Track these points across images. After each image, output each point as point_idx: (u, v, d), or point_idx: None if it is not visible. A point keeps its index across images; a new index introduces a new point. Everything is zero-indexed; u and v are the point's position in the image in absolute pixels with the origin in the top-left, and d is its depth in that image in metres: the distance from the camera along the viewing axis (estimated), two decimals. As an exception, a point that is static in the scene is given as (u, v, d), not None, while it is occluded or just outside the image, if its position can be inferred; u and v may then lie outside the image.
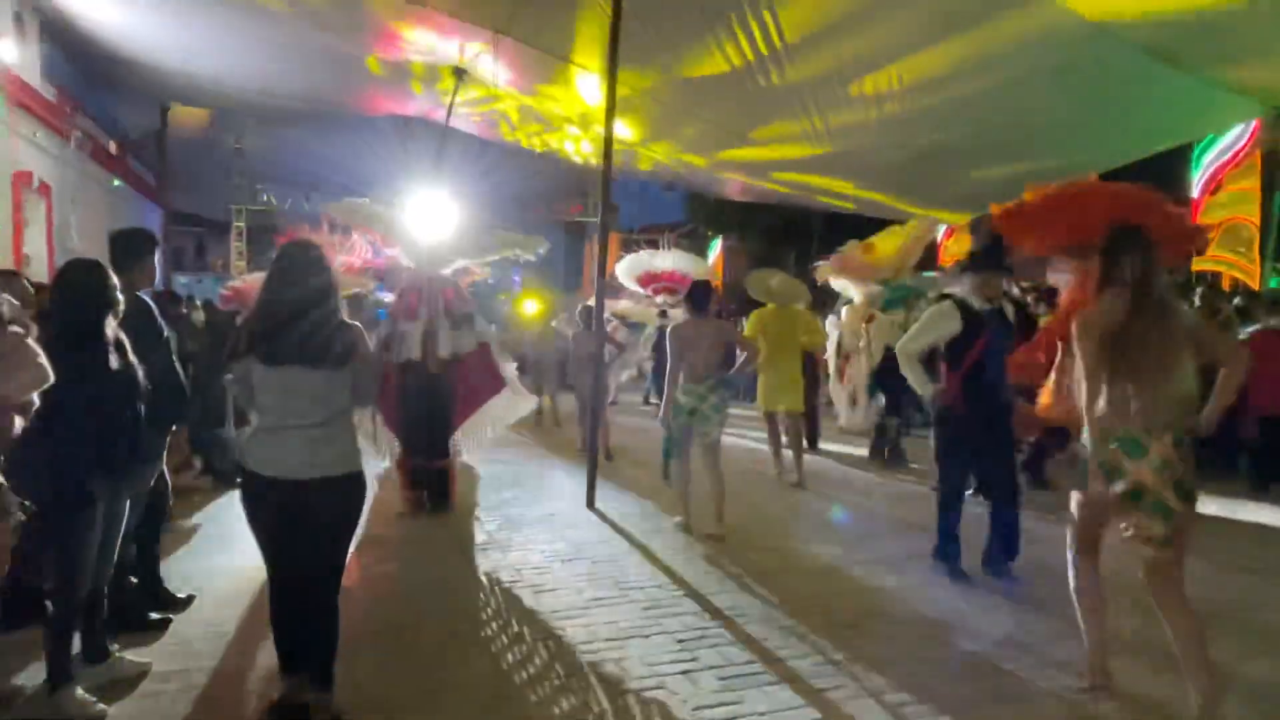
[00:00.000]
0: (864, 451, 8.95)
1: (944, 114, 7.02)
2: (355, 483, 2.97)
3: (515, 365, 6.98)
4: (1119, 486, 2.94)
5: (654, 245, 28.30)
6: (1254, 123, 8.23)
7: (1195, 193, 9.13)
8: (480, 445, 6.46)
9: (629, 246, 27.49)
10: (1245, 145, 8.63)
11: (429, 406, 6.18)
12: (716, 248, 23.81)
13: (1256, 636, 3.94)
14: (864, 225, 10.00)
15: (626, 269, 9.83)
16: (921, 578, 4.79)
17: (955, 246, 12.76)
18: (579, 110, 8.90)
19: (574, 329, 9.13)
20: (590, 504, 6.48)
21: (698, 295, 5.86)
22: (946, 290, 5.06)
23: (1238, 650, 3.72)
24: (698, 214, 25.84)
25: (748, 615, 4.19)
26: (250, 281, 10.67)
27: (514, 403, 6.43)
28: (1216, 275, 10.34)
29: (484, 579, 4.74)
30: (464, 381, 6.30)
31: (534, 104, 9.42)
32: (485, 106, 10.22)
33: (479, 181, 19.34)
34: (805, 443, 8.62)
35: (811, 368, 8.79)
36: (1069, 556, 3.33)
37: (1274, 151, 9.33)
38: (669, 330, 5.81)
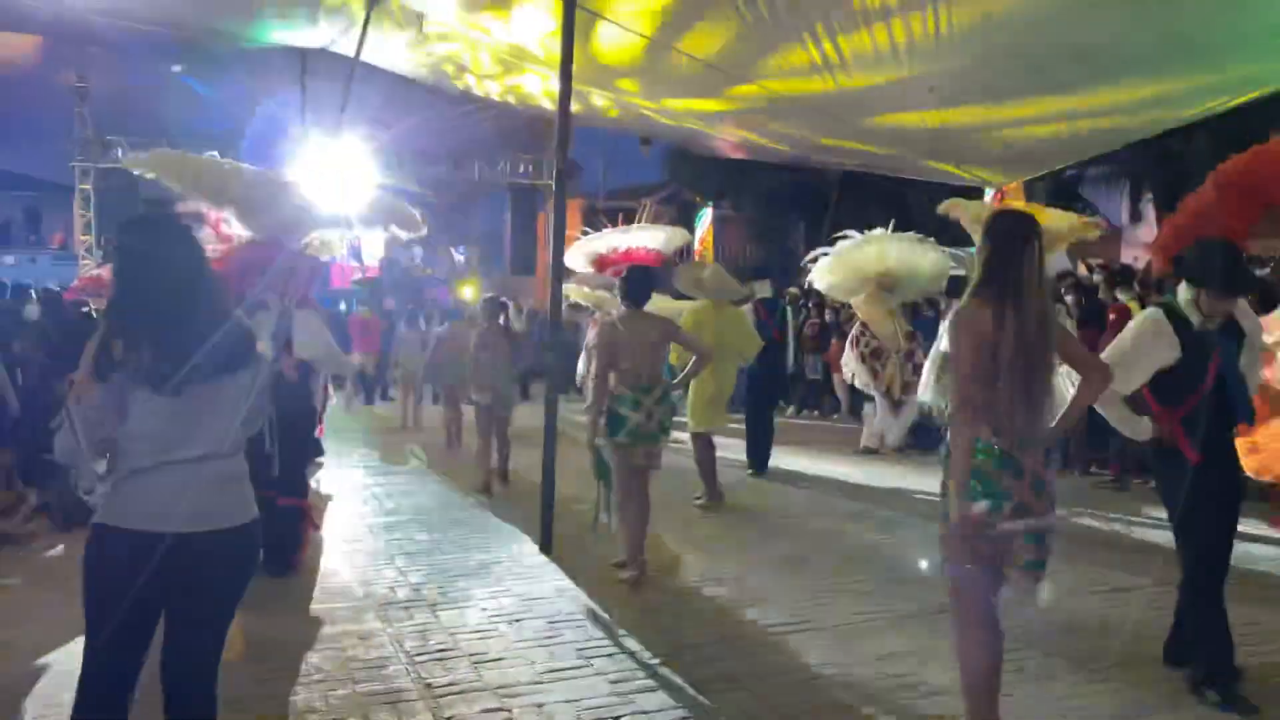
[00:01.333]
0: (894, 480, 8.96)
1: (987, 42, 6.99)
2: (254, 536, 2.84)
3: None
4: None
5: (627, 214, 28.39)
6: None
7: (1306, 145, 9.19)
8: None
9: (595, 217, 27.52)
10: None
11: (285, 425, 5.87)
12: (706, 217, 23.83)
13: None
14: (891, 189, 10.00)
15: (577, 253, 9.75)
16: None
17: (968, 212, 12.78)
18: (533, 37, 8.79)
19: (479, 325, 9.05)
20: (545, 547, 6.42)
21: (635, 284, 5.81)
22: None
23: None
24: (682, 175, 25.84)
25: (748, 690, 4.13)
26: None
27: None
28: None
29: (404, 647, 4.65)
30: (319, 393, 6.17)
31: (476, 29, 9.31)
32: (420, 42, 10.09)
33: (405, 135, 19.25)
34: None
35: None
36: None
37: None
38: (598, 327, 5.79)
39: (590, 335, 12.59)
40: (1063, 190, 21.44)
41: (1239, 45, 6.91)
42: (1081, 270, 15.39)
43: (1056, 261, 13.28)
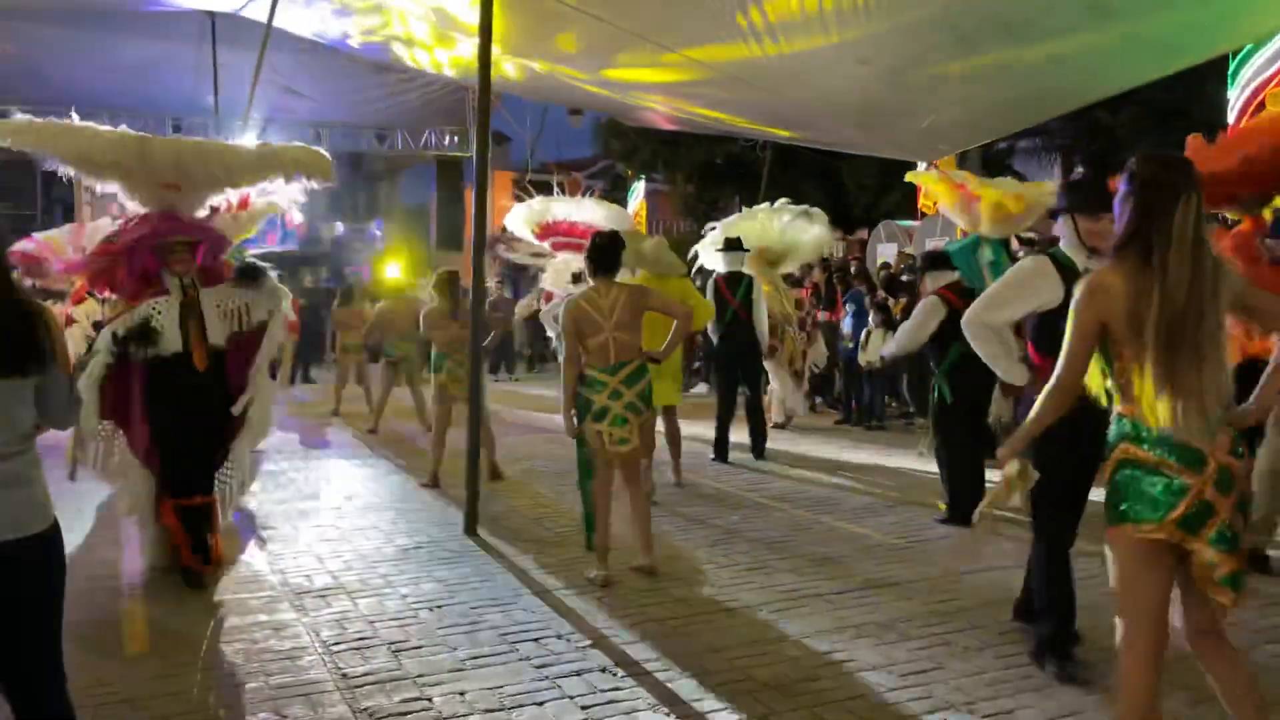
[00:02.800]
0: (812, 450, 9.05)
1: (916, 12, 7.03)
2: (55, 544, 2.70)
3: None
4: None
5: (560, 189, 28.18)
6: (1301, 31, 8.51)
7: (1232, 116, 9.42)
8: (245, 481, 5.92)
9: (524, 191, 27.29)
10: (1292, 58, 8.91)
11: (199, 420, 5.47)
12: (638, 191, 23.74)
13: None
14: (829, 163, 10.04)
15: (520, 217, 9.68)
16: (890, 611, 4.83)
17: (938, 189, 12.94)
18: (456, 4, 8.63)
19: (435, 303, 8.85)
20: (470, 530, 6.35)
21: (604, 252, 5.42)
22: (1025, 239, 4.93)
23: None
24: (614, 148, 25.73)
25: (675, 670, 4.13)
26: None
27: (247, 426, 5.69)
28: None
29: (320, 637, 4.56)
30: (246, 370, 5.63)
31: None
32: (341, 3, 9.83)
33: (323, 106, 18.83)
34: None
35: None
36: None
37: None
38: (563, 308, 5.48)
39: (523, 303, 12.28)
40: (994, 163, 21.79)
41: (1163, 16, 7.04)
42: (1014, 244, 15.60)
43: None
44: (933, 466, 7.16)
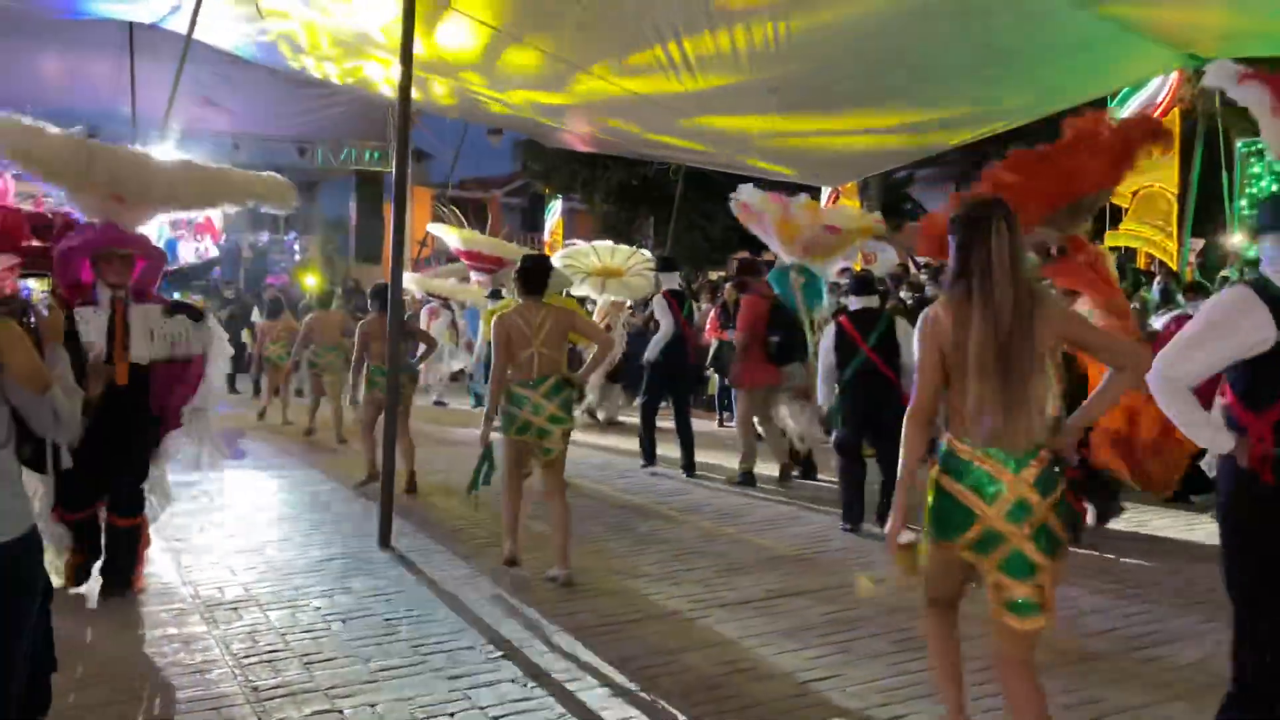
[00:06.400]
0: (726, 463, 9.10)
1: (826, 52, 7.20)
2: (29, 548, 2.63)
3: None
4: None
5: (476, 204, 27.98)
6: (1173, 76, 8.94)
7: (1110, 155, 9.82)
8: (165, 500, 5.63)
9: (444, 207, 26.99)
10: (1164, 102, 9.36)
11: (113, 435, 5.12)
12: (555, 209, 23.75)
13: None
14: (733, 185, 10.21)
15: (447, 235, 9.96)
16: (792, 620, 4.89)
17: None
18: (374, 24, 8.54)
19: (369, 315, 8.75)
20: (384, 542, 6.25)
21: (532, 273, 5.62)
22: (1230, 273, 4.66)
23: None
24: (533, 167, 25.68)
25: (584, 680, 4.12)
26: None
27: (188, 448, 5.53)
28: (1131, 252, 11.23)
29: (231, 650, 4.44)
30: (168, 397, 5.42)
31: (324, 16, 8.96)
32: (257, 20, 9.64)
33: (243, 118, 18.40)
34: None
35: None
36: None
37: (1193, 111, 10.20)
38: (494, 320, 5.59)
39: (425, 323, 12.62)
40: (894, 191, 22.36)
41: (1049, 59, 7.31)
42: (912, 268, 15.99)
43: (888, 259, 13.87)
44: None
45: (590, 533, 6.75)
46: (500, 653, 4.43)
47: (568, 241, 12.00)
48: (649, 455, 9.21)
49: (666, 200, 19.87)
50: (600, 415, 12.61)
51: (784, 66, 7.53)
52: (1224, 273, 9.27)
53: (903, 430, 2.98)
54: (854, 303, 7.22)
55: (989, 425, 2.80)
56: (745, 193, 9.25)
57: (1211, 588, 5.46)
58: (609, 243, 11.74)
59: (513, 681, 4.10)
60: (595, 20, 7.29)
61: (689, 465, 8.97)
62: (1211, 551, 6.29)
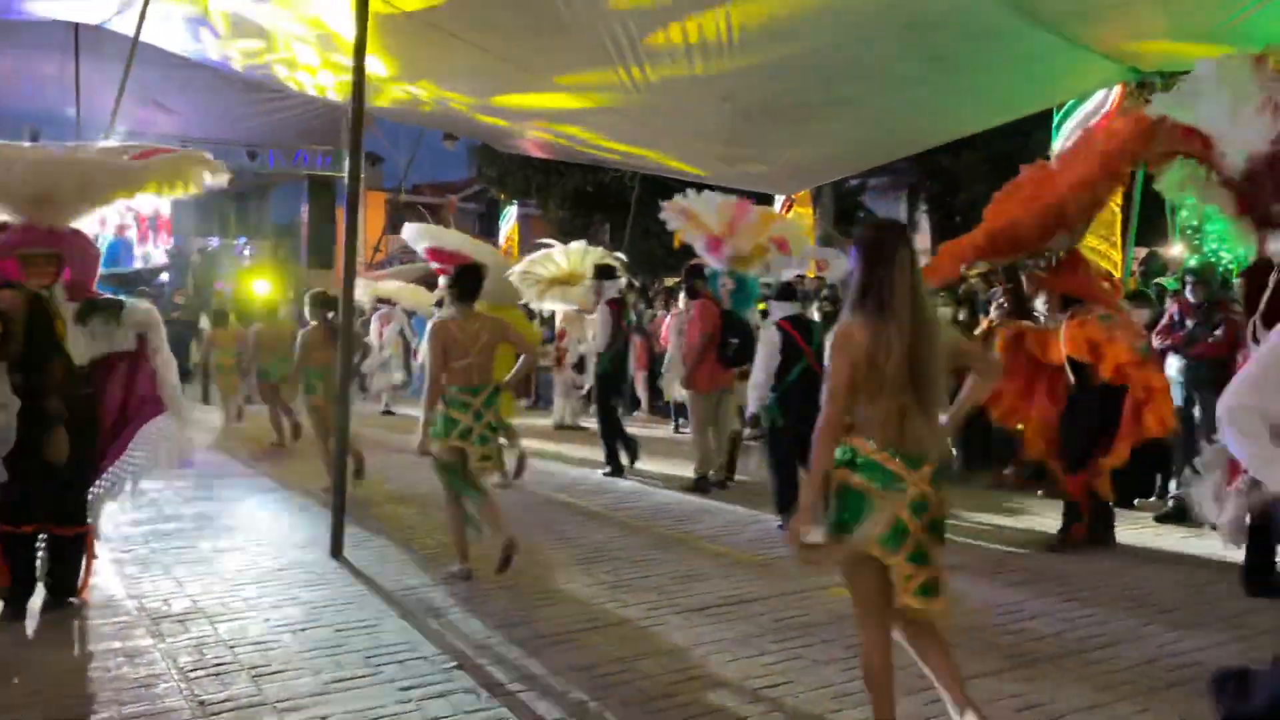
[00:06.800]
0: (678, 471, 9.14)
1: (777, 60, 7.27)
2: None
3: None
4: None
5: (431, 210, 27.81)
6: (1117, 89, 9.12)
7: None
8: (122, 498, 5.51)
9: (398, 212, 26.78)
10: (1109, 114, 9.54)
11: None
12: (510, 215, 23.66)
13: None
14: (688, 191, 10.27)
15: (416, 234, 9.93)
16: (747, 626, 4.91)
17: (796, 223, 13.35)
18: (322, 31, 8.47)
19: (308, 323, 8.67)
20: (336, 552, 6.18)
21: (467, 282, 5.72)
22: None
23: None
24: (488, 173, 25.54)
25: (538, 690, 4.10)
26: None
27: (175, 434, 5.39)
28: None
29: (178, 664, 4.35)
30: (111, 402, 5.32)
31: (273, 20, 8.86)
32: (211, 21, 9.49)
33: (192, 121, 18.10)
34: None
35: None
36: None
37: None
38: (430, 329, 5.67)
39: (376, 331, 12.59)
40: (847, 199, 22.56)
41: (997, 72, 7.44)
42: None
43: (840, 267, 13.98)
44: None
45: (544, 540, 6.73)
46: (454, 663, 4.39)
47: (540, 242, 11.72)
48: (619, 463, 9.28)
49: (623, 206, 19.91)
50: (565, 419, 12.60)
51: (737, 76, 7.59)
52: (1160, 280, 9.47)
53: (815, 439, 3.11)
54: (775, 308, 7.36)
55: (897, 432, 3.09)
56: (692, 197, 9.35)
57: (1154, 590, 5.60)
58: (581, 244, 11.57)
59: (467, 692, 4.06)
60: (555, 32, 7.30)
61: (621, 468, 9.20)
62: (1154, 554, 6.45)
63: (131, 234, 21.33)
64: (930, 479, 3.11)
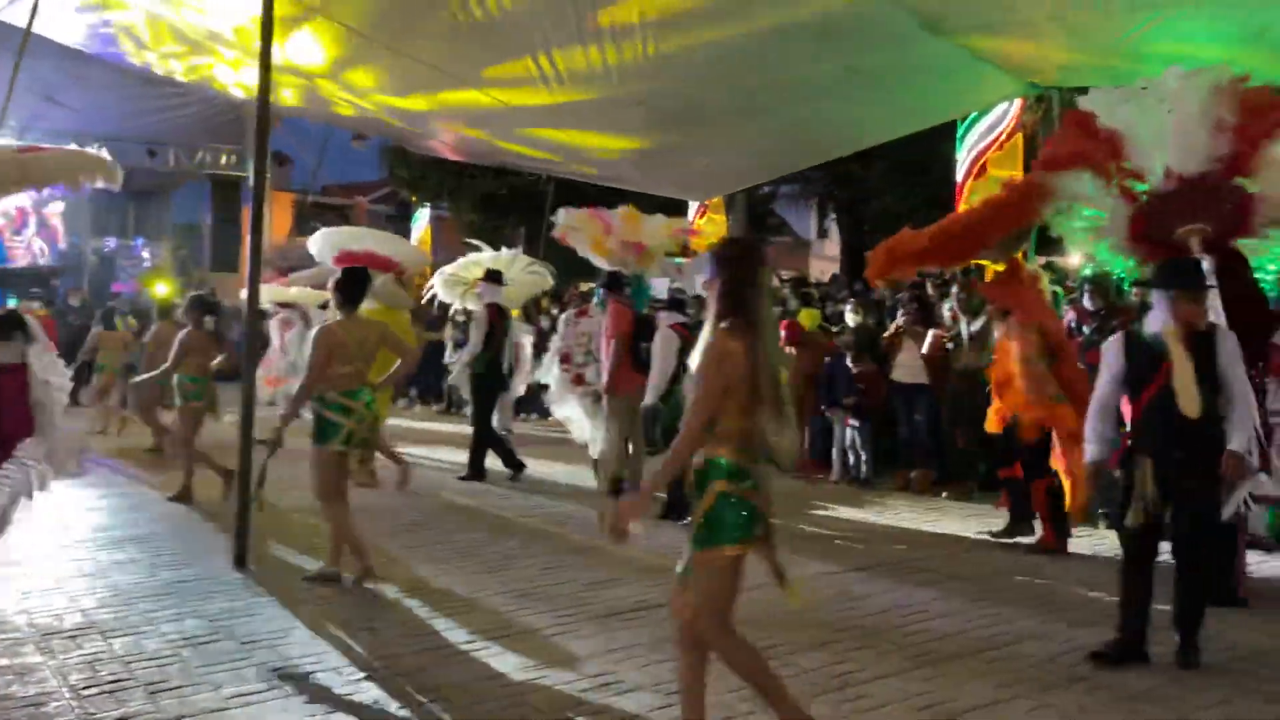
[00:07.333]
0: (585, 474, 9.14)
1: (692, 66, 7.32)
2: None
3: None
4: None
5: (340, 211, 27.31)
6: (1017, 102, 9.42)
7: (960, 174, 10.30)
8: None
9: (306, 214, 26.20)
10: (1009, 127, 9.85)
11: None
12: (422, 218, 23.35)
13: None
14: (610, 198, 10.28)
15: (323, 241, 9.70)
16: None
17: (710, 228, 13.46)
18: (228, 24, 8.23)
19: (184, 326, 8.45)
20: (240, 562, 6.01)
21: (350, 286, 5.73)
22: None
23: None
24: (400, 174, 25.17)
25: (449, 701, 4.05)
26: None
27: (39, 459, 5.12)
28: (979, 270, 11.72)
29: (69, 681, 4.18)
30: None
31: (171, 11, 8.56)
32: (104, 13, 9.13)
33: (88, 117, 17.42)
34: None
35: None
36: None
37: (1035, 136, 10.76)
38: (317, 332, 5.64)
39: (277, 336, 12.35)
40: (759, 206, 22.86)
41: (906, 82, 7.61)
42: (775, 281, 16.37)
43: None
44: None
45: (457, 548, 6.66)
46: (361, 674, 4.30)
47: (468, 243, 11.66)
48: (481, 470, 9.27)
49: (537, 210, 19.82)
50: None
51: (651, 81, 7.63)
52: (1056, 289, 9.84)
53: (680, 438, 3.21)
54: (664, 318, 7.69)
55: (764, 440, 3.21)
56: (562, 215, 9.45)
57: (1057, 589, 5.79)
58: (515, 251, 11.72)
59: (374, 705, 3.99)
60: (467, 29, 7.22)
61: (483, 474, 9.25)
62: (1058, 555, 6.65)
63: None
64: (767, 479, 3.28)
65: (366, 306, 7.50)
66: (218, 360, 8.24)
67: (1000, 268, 6.93)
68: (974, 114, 9.91)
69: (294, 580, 5.77)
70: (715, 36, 7.00)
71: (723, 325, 3.20)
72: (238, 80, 9.81)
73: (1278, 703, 4.14)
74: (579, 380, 9.39)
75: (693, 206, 14.37)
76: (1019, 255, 6.89)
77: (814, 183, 21.65)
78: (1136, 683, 4.30)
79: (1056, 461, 6.27)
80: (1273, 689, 4.28)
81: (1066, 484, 6.18)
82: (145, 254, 23.32)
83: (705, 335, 3.26)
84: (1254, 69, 5.24)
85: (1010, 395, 6.47)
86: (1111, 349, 4.69)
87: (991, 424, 6.69)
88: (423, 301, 12.28)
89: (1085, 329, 7.57)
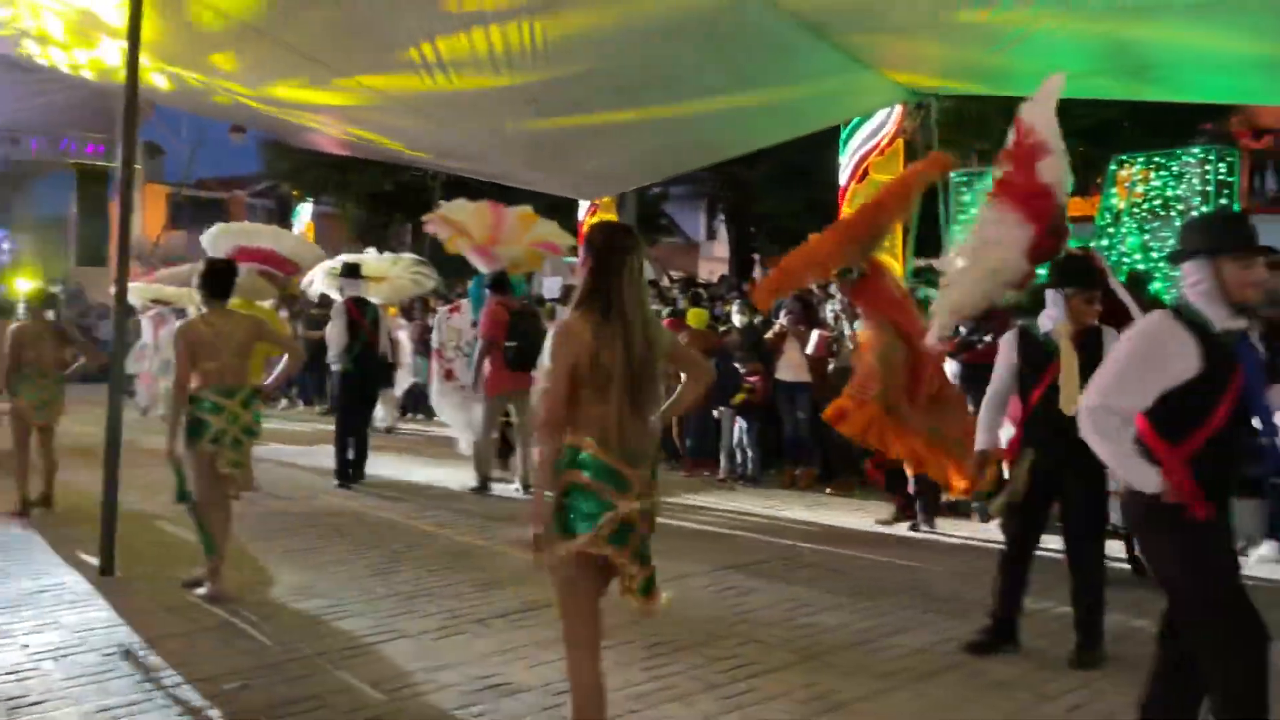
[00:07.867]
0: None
1: (579, 58, 7.28)
2: None
3: None
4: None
5: (218, 205, 26.35)
6: (898, 109, 9.70)
7: (843, 177, 10.57)
8: None
9: (181, 208, 25.25)
10: (891, 132, 10.14)
11: None
12: (305, 213, 22.77)
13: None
14: (498, 195, 10.20)
15: (215, 237, 9.46)
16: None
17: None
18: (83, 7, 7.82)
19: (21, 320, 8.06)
20: (106, 569, 5.73)
21: (216, 279, 5.47)
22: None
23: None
24: (279, 168, 24.46)
25: (331, 708, 3.94)
26: None
27: None
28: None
29: (-83, 699, 3.92)
30: None
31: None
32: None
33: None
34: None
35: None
36: None
37: (914, 142, 11.11)
38: (178, 329, 5.44)
39: (151, 333, 11.91)
40: (650, 206, 23.00)
41: (791, 85, 7.75)
42: (665, 281, 16.54)
43: (646, 271, 14.26)
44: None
45: (340, 550, 6.51)
46: (238, 683, 4.15)
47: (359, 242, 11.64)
48: (341, 471, 8.98)
49: (424, 206, 19.55)
50: (381, 425, 12.21)
51: (541, 75, 7.55)
52: (931, 290, 10.17)
53: (537, 429, 3.10)
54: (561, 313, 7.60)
55: (617, 430, 3.03)
56: (446, 205, 9.39)
57: (933, 580, 5.98)
58: (408, 255, 11.81)
59: (253, 715, 3.85)
60: (346, 19, 7.03)
61: (358, 475, 8.99)
62: (935, 545, 6.88)
63: None
64: (651, 476, 3.13)
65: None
66: (78, 363, 7.84)
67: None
68: (857, 119, 10.17)
69: (165, 587, 5.53)
70: (600, 30, 6.96)
71: (576, 310, 3.11)
72: (98, 58, 9.29)
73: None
74: (449, 375, 9.33)
75: (584, 206, 14.37)
76: (882, 256, 7.17)
77: (704, 184, 21.93)
78: (1007, 669, 4.46)
79: (898, 450, 6.51)
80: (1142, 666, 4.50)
81: (909, 467, 6.71)
82: (7, 246, 22.10)
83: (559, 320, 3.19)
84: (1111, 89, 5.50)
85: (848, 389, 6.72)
86: (1005, 344, 4.83)
87: (826, 413, 6.86)
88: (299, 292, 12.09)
89: (962, 329, 7.81)
